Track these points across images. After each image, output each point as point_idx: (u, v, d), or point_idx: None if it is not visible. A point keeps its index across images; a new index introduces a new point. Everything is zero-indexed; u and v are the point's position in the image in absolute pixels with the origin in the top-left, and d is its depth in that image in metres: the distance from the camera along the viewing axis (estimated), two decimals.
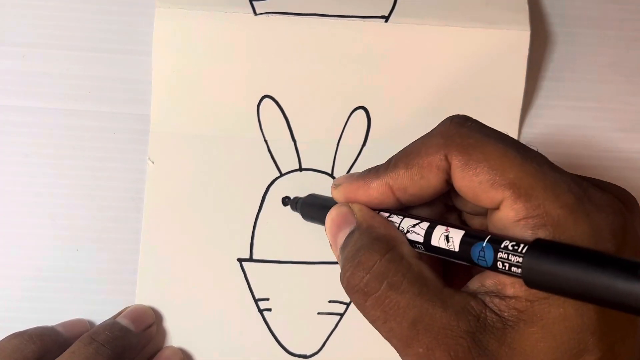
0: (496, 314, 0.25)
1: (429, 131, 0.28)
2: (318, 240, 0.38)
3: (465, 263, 0.26)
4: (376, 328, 0.27)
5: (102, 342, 0.36)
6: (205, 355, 0.40)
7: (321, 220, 0.33)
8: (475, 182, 0.26)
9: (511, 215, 0.25)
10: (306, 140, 0.42)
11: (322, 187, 0.41)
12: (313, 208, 0.36)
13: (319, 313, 0.41)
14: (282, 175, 0.41)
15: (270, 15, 0.41)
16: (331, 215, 0.30)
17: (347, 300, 0.41)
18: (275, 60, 0.41)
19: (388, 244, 0.27)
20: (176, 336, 0.40)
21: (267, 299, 0.40)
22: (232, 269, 0.40)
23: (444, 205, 0.31)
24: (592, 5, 0.45)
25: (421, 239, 0.27)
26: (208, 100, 0.41)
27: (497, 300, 0.25)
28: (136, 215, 0.41)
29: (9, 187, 0.41)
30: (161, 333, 0.40)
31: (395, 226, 0.29)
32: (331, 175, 0.42)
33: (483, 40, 0.41)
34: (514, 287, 0.25)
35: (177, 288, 0.40)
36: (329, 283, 0.41)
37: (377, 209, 0.30)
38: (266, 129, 0.41)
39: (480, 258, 0.25)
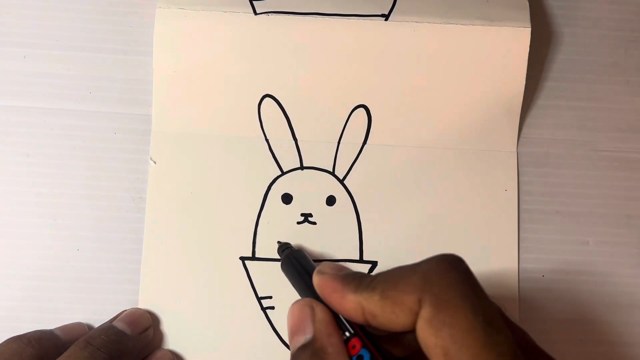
0: None
1: (416, 262, 0.28)
2: (318, 239, 0.38)
3: None
4: None
5: (97, 346, 0.35)
6: (208, 354, 0.40)
7: (295, 285, 0.34)
8: (431, 341, 0.25)
9: None
10: (307, 139, 0.42)
11: (323, 185, 0.41)
12: (293, 269, 0.36)
13: None
14: (283, 173, 0.41)
15: (270, 14, 0.41)
16: (293, 312, 0.30)
17: None
18: (275, 59, 0.41)
19: None
20: (179, 334, 0.40)
21: (270, 297, 0.40)
22: (234, 268, 0.40)
23: None
24: (592, 6, 0.45)
25: None
26: (209, 100, 0.41)
27: None
28: (137, 215, 0.41)
29: (9, 187, 0.40)
30: (161, 334, 0.40)
31: (346, 353, 0.28)
32: (332, 174, 0.42)
33: (483, 38, 0.41)
34: None
35: (180, 287, 0.40)
36: None
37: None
38: (267, 128, 0.41)
39: None
